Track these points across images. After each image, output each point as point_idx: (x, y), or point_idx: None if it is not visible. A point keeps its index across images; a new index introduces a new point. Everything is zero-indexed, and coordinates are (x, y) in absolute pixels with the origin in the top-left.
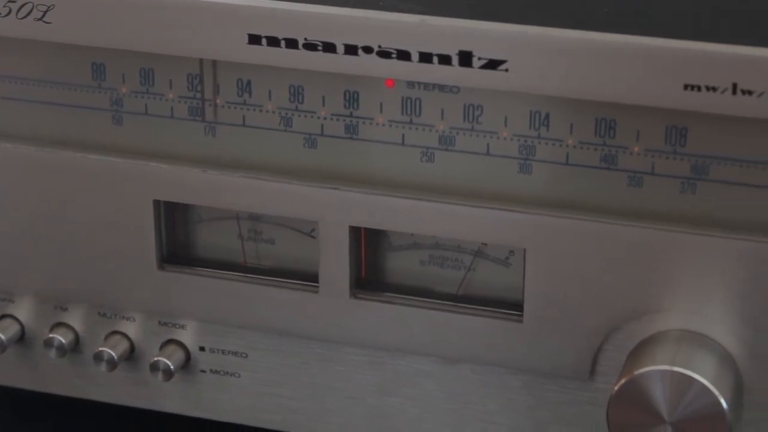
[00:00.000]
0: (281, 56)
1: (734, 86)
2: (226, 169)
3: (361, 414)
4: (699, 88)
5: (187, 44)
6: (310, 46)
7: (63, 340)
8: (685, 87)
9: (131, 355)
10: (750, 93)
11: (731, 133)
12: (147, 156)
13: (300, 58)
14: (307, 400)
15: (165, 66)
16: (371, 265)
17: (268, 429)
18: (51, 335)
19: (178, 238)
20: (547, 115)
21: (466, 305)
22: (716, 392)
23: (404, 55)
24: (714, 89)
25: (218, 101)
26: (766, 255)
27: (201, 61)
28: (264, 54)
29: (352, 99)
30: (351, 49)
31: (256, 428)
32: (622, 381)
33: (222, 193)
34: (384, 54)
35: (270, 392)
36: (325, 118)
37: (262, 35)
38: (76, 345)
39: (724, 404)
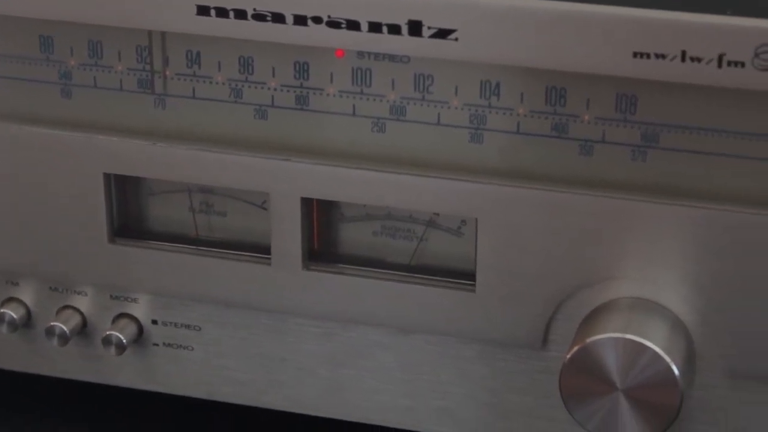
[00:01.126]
0: (230, 27)
1: (683, 53)
2: (176, 141)
3: (314, 386)
4: (648, 56)
5: (135, 16)
6: (259, 17)
7: (14, 315)
8: (635, 55)
9: (83, 329)
10: (699, 60)
11: (681, 101)
12: (96, 129)
13: (249, 29)
14: (259, 372)
15: (113, 38)
16: (323, 237)
17: (221, 402)
18: (2, 310)
19: (129, 211)
20: (498, 85)
21: (419, 276)
22: (668, 359)
23: (354, 25)
24: (663, 57)
25: (168, 73)
26: (717, 222)
27: (150, 32)
28: (213, 25)
29: (302, 70)
30: (300, 20)
31: (210, 402)
32: (575, 349)
33: (172, 165)
34: (333, 24)
35: (223, 365)
36: (275, 90)
37: (211, 6)
38: (28, 320)
39: (676, 371)
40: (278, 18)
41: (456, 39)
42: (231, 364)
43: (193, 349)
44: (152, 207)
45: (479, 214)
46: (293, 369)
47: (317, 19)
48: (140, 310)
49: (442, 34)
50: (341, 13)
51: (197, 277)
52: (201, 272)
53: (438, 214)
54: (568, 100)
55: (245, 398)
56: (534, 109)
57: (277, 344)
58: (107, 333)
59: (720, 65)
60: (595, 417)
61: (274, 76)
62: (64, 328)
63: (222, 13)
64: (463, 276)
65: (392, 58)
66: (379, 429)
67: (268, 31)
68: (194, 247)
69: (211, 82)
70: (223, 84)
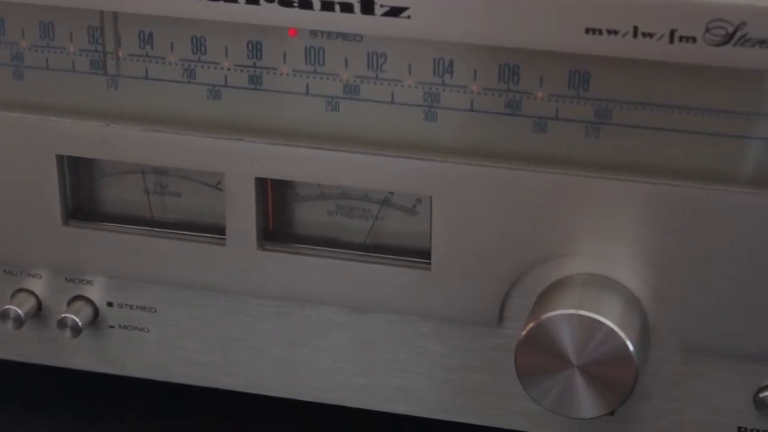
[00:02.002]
0: (182, 7)
1: (635, 29)
2: (129, 122)
3: (271, 366)
4: (600, 32)
5: None
6: None
7: None
8: (587, 31)
9: (38, 312)
10: (651, 36)
11: (633, 77)
12: (49, 111)
13: (201, 9)
14: (215, 353)
15: (65, 19)
16: (278, 217)
17: (177, 383)
18: None
19: (83, 193)
20: (451, 62)
21: (374, 254)
22: (623, 335)
23: (306, 4)
24: (615, 33)
25: (120, 54)
26: (670, 197)
27: (101, 13)
28: (165, 5)
29: (255, 49)
30: None
31: (167, 383)
32: (530, 325)
33: (126, 146)
34: (286, 3)
35: (179, 346)
36: (228, 69)
37: None
38: None
39: (631, 346)
40: None
41: (408, 17)
42: (187, 345)
43: (149, 330)
44: (106, 188)
45: (434, 192)
46: (249, 349)
47: None
48: (95, 292)
49: (395, 12)
50: None
51: (152, 258)
52: (156, 254)
53: (393, 193)
54: (521, 78)
55: (202, 379)
56: (487, 87)
57: (233, 325)
58: (62, 316)
59: (672, 41)
60: (550, 393)
61: (227, 56)
62: (19, 311)
63: None
64: (418, 254)
65: (345, 36)
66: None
67: (220, 10)
68: (149, 228)
69: (163, 63)
70: (176, 64)
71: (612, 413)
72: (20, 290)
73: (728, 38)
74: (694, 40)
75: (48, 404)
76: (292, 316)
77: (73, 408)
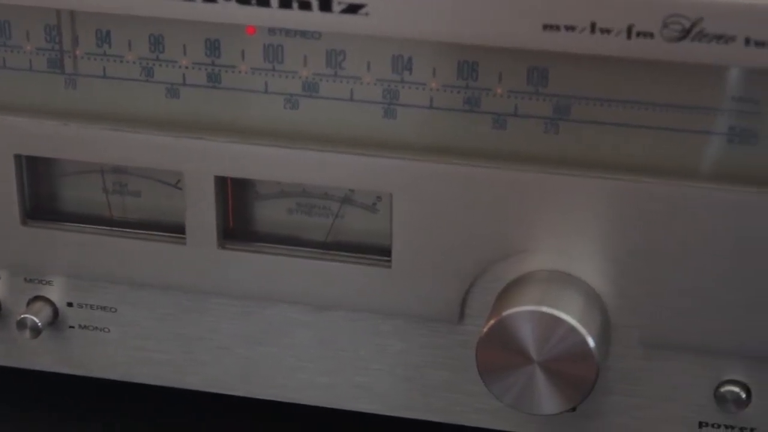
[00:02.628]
0: (139, 5)
1: (593, 25)
2: (88, 121)
3: (234, 365)
4: (558, 28)
5: None
6: None
7: None
8: (545, 27)
9: None
10: (608, 32)
11: (591, 73)
12: (6, 110)
13: (158, 6)
14: (177, 352)
15: (21, 17)
16: (239, 215)
17: (140, 383)
18: None
19: (42, 192)
20: (410, 59)
21: (335, 252)
22: (583, 331)
23: (264, 2)
24: (573, 29)
25: (77, 53)
26: (630, 193)
27: (58, 11)
28: (121, 3)
29: (213, 47)
30: None
31: (130, 383)
32: (491, 322)
33: (85, 146)
34: (244, 0)
35: (140, 346)
36: (186, 68)
37: None
38: None
39: (591, 343)
40: None
41: (366, 14)
42: (148, 345)
43: (109, 330)
44: (65, 188)
45: (394, 189)
46: (211, 348)
47: None
48: (55, 292)
49: (353, 9)
50: None
51: (112, 258)
52: (116, 253)
53: (353, 191)
54: (480, 74)
55: (164, 379)
56: (446, 84)
57: (195, 324)
58: (22, 316)
59: (629, 36)
60: (512, 390)
61: (185, 54)
62: None
63: None
64: (379, 252)
65: (303, 34)
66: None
67: (178, 8)
68: (108, 228)
69: (121, 61)
70: (134, 63)
71: (574, 409)
72: None
73: (685, 33)
74: (651, 35)
75: (9, 405)
76: (253, 314)
77: (38, 409)
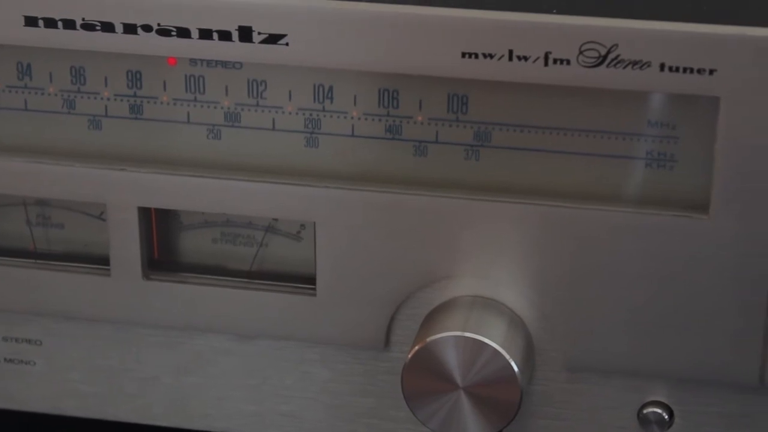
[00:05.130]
0: (60, 37)
1: (510, 53)
2: (10, 153)
3: (160, 395)
4: (477, 56)
5: None
6: (88, 27)
7: None
8: (464, 55)
9: None
10: (526, 59)
11: (511, 99)
12: None
13: (79, 39)
14: (104, 384)
15: None
16: (163, 246)
17: (66, 416)
18: None
19: None
20: (331, 88)
21: (260, 281)
22: (507, 356)
23: (184, 33)
24: (491, 56)
25: None
26: (553, 218)
27: None
28: (42, 36)
29: (135, 78)
30: (130, 28)
31: (57, 416)
32: (415, 348)
33: (7, 178)
34: (164, 32)
35: (66, 378)
36: (108, 99)
37: (39, 17)
38: None
39: (515, 367)
40: (108, 27)
41: (287, 44)
42: (75, 377)
43: (35, 363)
44: None
45: (317, 218)
46: (138, 379)
47: (147, 28)
48: None
49: (273, 39)
50: (171, 21)
51: (36, 290)
52: (40, 286)
53: (277, 220)
54: (401, 102)
55: (91, 411)
56: (368, 112)
57: (121, 355)
58: None
59: (546, 63)
60: (437, 415)
61: (106, 85)
62: None
63: (50, 23)
64: (303, 280)
65: (225, 64)
66: None
67: (98, 40)
68: (32, 260)
69: (43, 94)
70: (56, 95)
71: None
72: None
73: (601, 60)
74: (568, 62)
75: None
76: (179, 344)
77: None
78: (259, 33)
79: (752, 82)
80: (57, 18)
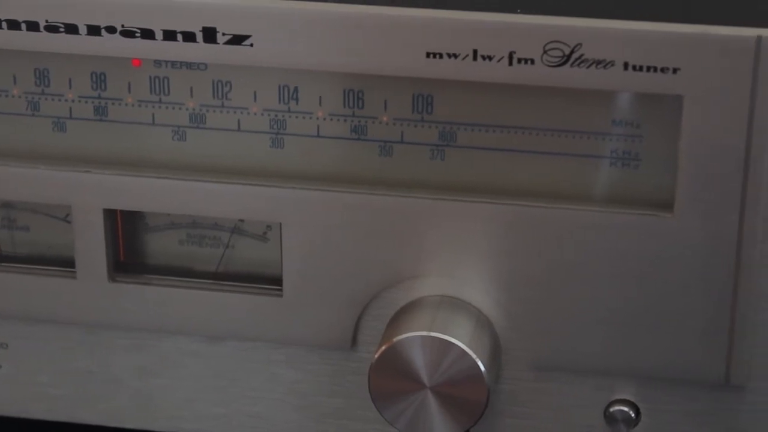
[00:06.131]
0: (23, 39)
1: (475, 52)
2: None
3: (127, 397)
4: (441, 56)
5: None
6: (51, 28)
7: None
8: (428, 55)
9: None
10: (490, 58)
11: (476, 99)
12: None
13: (43, 41)
14: (70, 386)
15: None
16: (129, 248)
17: (34, 419)
18: None
19: None
20: (296, 89)
21: (226, 282)
22: (473, 355)
23: (148, 34)
24: (456, 56)
25: None
26: (518, 218)
27: None
28: (5, 38)
29: (99, 80)
30: (94, 30)
31: (25, 420)
32: (382, 349)
33: None
34: (128, 33)
35: (32, 381)
36: (73, 101)
37: (2, 19)
38: None
39: (482, 366)
40: (71, 29)
41: (251, 45)
42: (41, 380)
43: (1, 367)
44: None
45: (283, 218)
46: (104, 382)
47: (111, 29)
48: None
49: (237, 40)
50: (135, 22)
51: (2, 293)
52: (5, 288)
53: (243, 221)
54: (366, 102)
55: (58, 414)
56: (333, 112)
57: (87, 357)
58: None
59: (511, 63)
60: (404, 415)
61: (71, 87)
62: None
63: (14, 25)
64: (270, 281)
65: (189, 65)
66: None
67: (62, 42)
68: None
69: (7, 96)
70: (20, 97)
71: None
72: None
73: (565, 59)
74: (532, 61)
75: None
76: (146, 346)
77: None
78: (224, 34)
79: (716, 81)
80: (20, 20)
